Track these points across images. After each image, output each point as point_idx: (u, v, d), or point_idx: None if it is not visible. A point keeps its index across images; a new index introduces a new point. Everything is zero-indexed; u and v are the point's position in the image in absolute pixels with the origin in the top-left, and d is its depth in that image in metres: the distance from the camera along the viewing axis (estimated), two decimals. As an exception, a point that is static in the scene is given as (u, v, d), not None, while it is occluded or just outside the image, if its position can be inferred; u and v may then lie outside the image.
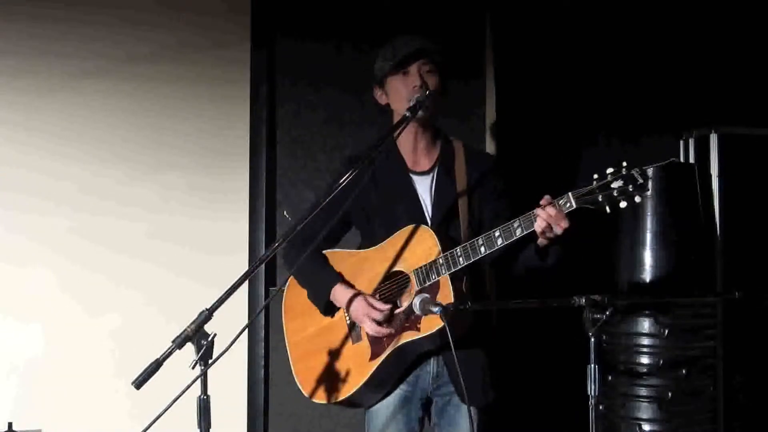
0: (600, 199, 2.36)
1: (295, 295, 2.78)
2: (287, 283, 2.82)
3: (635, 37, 3.95)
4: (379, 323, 2.57)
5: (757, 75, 4.01)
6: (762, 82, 4.00)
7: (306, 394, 2.71)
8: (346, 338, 2.67)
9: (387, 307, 2.58)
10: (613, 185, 2.34)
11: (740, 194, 3.63)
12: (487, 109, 3.83)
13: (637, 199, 2.36)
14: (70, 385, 3.45)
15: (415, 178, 2.70)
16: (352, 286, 2.66)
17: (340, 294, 2.65)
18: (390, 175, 2.67)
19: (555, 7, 3.91)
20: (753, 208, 3.66)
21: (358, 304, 2.60)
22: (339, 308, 2.69)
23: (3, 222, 3.46)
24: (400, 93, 2.64)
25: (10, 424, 3.01)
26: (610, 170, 2.36)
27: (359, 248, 2.75)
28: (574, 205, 2.39)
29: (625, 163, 2.35)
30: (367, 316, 2.57)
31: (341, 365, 2.66)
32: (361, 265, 2.69)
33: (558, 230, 2.39)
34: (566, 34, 3.91)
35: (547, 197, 2.41)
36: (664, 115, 3.93)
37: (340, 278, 2.68)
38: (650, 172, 2.37)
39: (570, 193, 2.40)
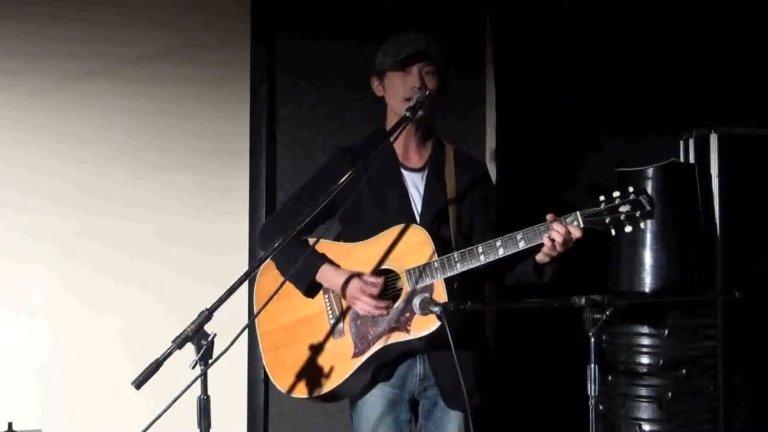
0: (607, 222, 2.41)
1: (269, 280, 2.70)
2: (260, 268, 2.72)
3: (635, 37, 3.95)
4: (375, 298, 2.53)
5: (757, 75, 4.01)
6: (762, 82, 4.00)
7: (278, 386, 2.66)
8: (326, 332, 2.64)
9: (380, 279, 2.55)
10: (621, 209, 2.40)
11: (740, 194, 3.63)
12: (487, 108, 3.83)
13: (642, 225, 2.39)
14: (70, 385, 3.45)
15: (405, 173, 2.70)
16: (339, 268, 2.62)
17: (329, 273, 2.61)
18: (381, 166, 2.63)
19: (555, 7, 3.91)
20: (753, 208, 3.66)
21: (353, 284, 2.55)
22: (320, 290, 2.65)
23: (7, 221, 3.46)
24: (397, 90, 2.64)
25: (10, 424, 3.01)
26: (616, 194, 2.41)
27: (337, 239, 2.73)
28: (582, 225, 2.42)
29: (631, 189, 2.40)
30: (363, 291, 2.53)
31: (320, 360, 2.61)
32: (345, 258, 2.65)
33: (570, 243, 2.42)
34: (566, 34, 3.91)
35: (551, 215, 2.44)
36: (664, 115, 3.93)
37: (327, 259, 2.64)
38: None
39: (578, 213, 2.44)
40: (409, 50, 2.61)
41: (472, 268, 2.50)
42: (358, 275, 2.57)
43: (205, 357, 2.07)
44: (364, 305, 2.55)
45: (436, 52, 2.63)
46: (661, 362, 3.36)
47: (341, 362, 2.60)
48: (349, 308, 2.63)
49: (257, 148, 3.67)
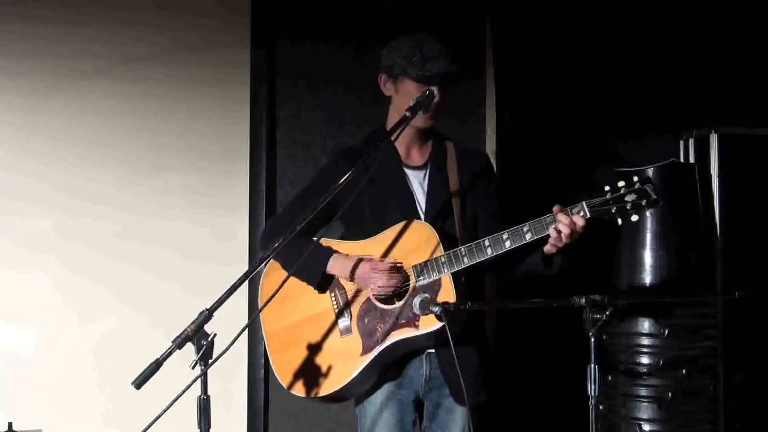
0: (613, 211, 2.42)
1: (274, 281, 2.67)
2: (265, 270, 2.73)
3: (635, 37, 3.95)
4: (387, 276, 2.53)
5: (757, 75, 4.02)
6: (762, 82, 4.00)
7: (287, 387, 2.65)
8: (332, 330, 2.64)
9: (390, 263, 2.55)
10: (626, 198, 2.41)
11: (740, 194, 3.63)
12: (487, 109, 3.83)
13: (648, 213, 2.41)
14: (70, 386, 3.45)
15: (408, 171, 2.70)
16: (347, 256, 2.62)
17: (340, 262, 2.61)
18: (383, 165, 2.61)
19: (555, 7, 3.91)
20: (753, 208, 3.66)
21: (363, 266, 2.56)
22: (331, 283, 2.65)
23: (2, 226, 3.45)
24: (411, 98, 2.58)
25: (10, 424, 3.01)
26: (621, 183, 2.42)
27: (341, 239, 2.72)
28: (588, 215, 2.43)
29: (636, 178, 2.41)
30: (374, 269, 2.54)
31: (328, 358, 2.61)
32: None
33: (576, 235, 2.42)
34: (566, 34, 3.91)
35: (557, 206, 2.44)
36: (664, 115, 3.94)
37: (334, 250, 2.64)
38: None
39: (584, 203, 2.44)
40: (437, 69, 2.56)
41: (479, 262, 2.51)
42: (368, 258, 2.57)
43: (205, 357, 2.07)
44: (378, 281, 2.55)
45: (458, 75, 2.62)
46: (661, 362, 3.36)
47: (350, 360, 2.59)
48: (356, 306, 2.63)
49: (257, 150, 3.67)
